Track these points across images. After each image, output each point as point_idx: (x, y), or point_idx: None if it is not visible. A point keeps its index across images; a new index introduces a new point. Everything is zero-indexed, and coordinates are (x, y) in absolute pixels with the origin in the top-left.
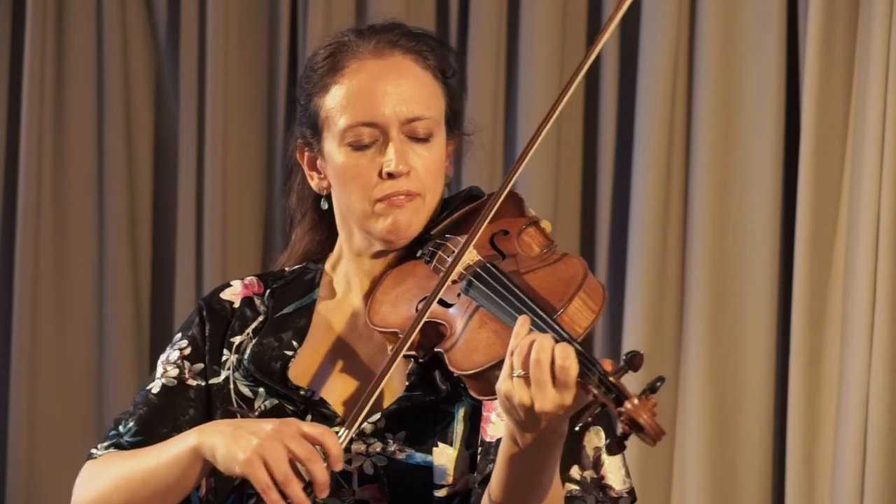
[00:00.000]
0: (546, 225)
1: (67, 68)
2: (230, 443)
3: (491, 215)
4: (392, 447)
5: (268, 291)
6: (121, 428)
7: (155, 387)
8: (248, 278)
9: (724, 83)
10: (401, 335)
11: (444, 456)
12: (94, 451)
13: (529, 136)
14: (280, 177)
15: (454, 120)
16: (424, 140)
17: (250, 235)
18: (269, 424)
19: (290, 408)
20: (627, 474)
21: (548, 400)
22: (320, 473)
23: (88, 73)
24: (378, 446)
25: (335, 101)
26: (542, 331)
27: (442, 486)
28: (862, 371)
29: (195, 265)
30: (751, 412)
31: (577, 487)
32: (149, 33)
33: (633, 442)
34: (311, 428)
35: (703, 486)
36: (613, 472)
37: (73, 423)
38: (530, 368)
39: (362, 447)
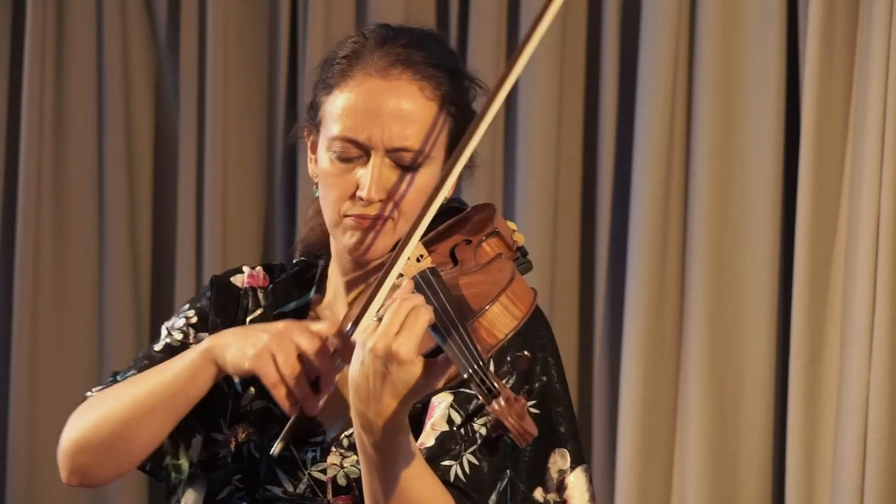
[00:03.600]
0: (518, 237)
1: (67, 68)
2: (241, 341)
3: (421, 228)
4: None
5: (270, 286)
6: (118, 377)
7: (158, 345)
8: (257, 268)
9: (724, 83)
10: None
11: None
12: (88, 393)
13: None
14: (280, 176)
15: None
16: (410, 168)
17: (250, 235)
18: (279, 324)
19: (277, 412)
20: (593, 498)
21: (383, 339)
22: (327, 367)
23: (88, 73)
24: (352, 459)
25: (333, 108)
26: (451, 337)
27: None
28: (862, 371)
29: (195, 265)
30: (751, 412)
31: None
32: (149, 33)
33: (632, 440)
34: (318, 325)
35: (703, 486)
36: (577, 496)
37: None
38: (388, 310)
39: (337, 458)
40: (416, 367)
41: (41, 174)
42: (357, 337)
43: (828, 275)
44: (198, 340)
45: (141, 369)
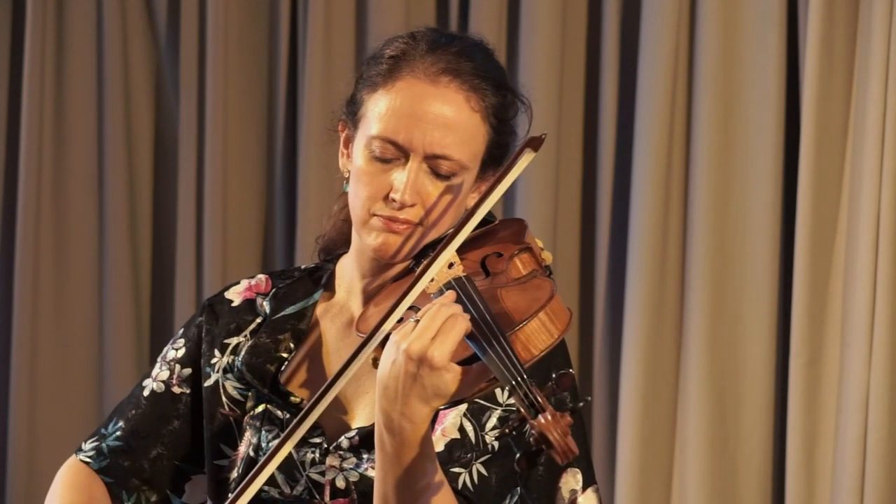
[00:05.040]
0: (546, 256)
1: (67, 68)
2: None
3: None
4: (365, 464)
5: (272, 291)
6: (110, 427)
7: (146, 388)
8: (258, 277)
9: (724, 83)
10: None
11: None
12: (83, 445)
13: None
14: (280, 177)
15: (493, 160)
16: (445, 177)
17: (250, 235)
18: None
19: (279, 413)
20: None
21: (419, 342)
22: None
23: (88, 73)
24: (352, 461)
25: (376, 107)
26: (493, 349)
27: None
28: (862, 371)
29: (195, 265)
30: (751, 412)
31: None
32: (149, 33)
33: (632, 440)
34: None
35: (703, 486)
36: None
37: (73, 423)
38: (426, 314)
39: (336, 461)
40: (448, 374)
41: (41, 174)
42: (392, 335)
43: (828, 275)
44: (181, 378)
45: (129, 420)
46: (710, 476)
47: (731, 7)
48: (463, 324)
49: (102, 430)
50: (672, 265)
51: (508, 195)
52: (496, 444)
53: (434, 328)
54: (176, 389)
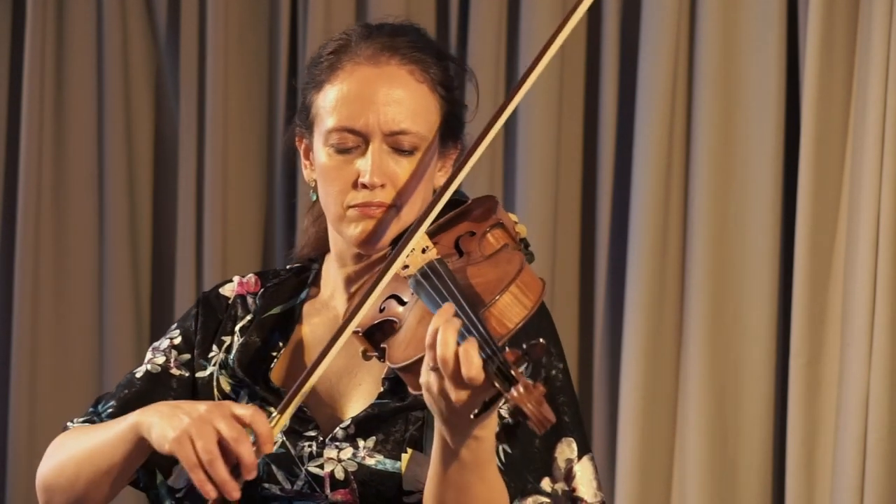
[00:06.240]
0: (521, 229)
1: (67, 68)
2: (164, 421)
3: (431, 217)
4: (362, 452)
5: (261, 291)
6: (100, 406)
7: (139, 371)
8: (248, 276)
9: (724, 83)
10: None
11: (414, 462)
12: (69, 423)
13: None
14: (280, 177)
15: (451, 133)
16: (408, 153)
17: (250, 235)
18: (203, 406)
19: (271, 409)
20: (599, 487)
21: (462, 392)
22: (246, 454)
23: (88, 73)
24: (349, 451)
25: (325, 101)
26: (468, 329)
27: (412, 493)
28: (862, 371)
29: (195, 265)
30: (751, 412)
31: (548, 500)
32: (149, 33)
33: (632, 440)
34: (242, 409)
35: (703, 486)
36: (585, 484)
37: None
38: (440, 365)
39: (333, 452)
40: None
41: (41, 174)
42: (427, 386)
43: (828, 275)
44: (179, 362)
45: (122, 399)
46: (710, 476)
47: (731, 7)
48: (477, 369)
49: (92, 410)
50: (672, 265)
51: (508, 194)
52: (510, 420)
53: (458, 375)
54: (175, 371)
